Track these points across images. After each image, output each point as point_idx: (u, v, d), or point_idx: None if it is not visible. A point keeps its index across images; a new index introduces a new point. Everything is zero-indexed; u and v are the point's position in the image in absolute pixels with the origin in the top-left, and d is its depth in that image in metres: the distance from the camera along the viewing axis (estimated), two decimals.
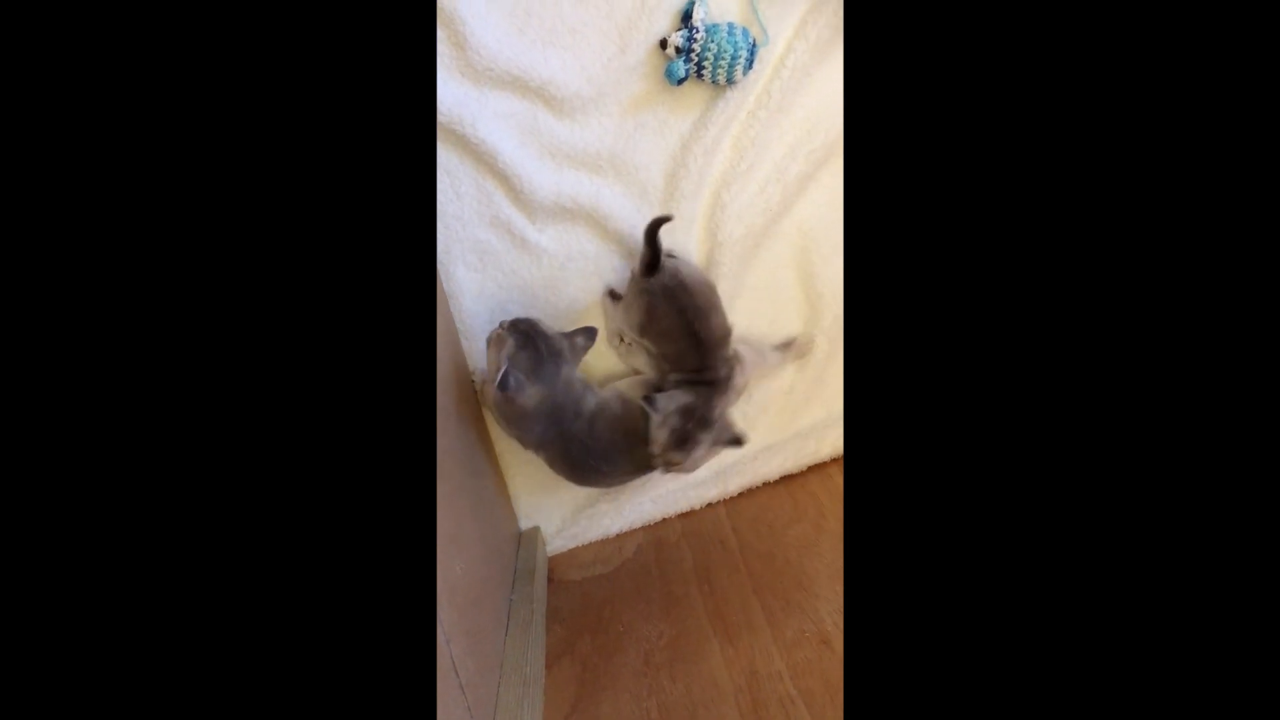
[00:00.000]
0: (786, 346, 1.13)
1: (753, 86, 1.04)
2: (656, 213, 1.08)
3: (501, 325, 0.99)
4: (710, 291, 1.02)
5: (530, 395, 0.96)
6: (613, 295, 1.10)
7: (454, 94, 1.01)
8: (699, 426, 0.96)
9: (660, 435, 0.97)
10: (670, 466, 1.00)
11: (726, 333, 1.02)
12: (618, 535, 1.23)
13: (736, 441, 1.00)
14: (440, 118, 1.00)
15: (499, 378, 0.92)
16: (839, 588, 0.93)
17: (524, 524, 1.22)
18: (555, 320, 1.12)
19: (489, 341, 1.00)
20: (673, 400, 0.97)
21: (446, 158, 1.04)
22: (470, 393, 1.12)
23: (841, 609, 0.89)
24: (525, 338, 0.96)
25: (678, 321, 0.98)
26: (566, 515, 1.23)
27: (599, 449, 1.00)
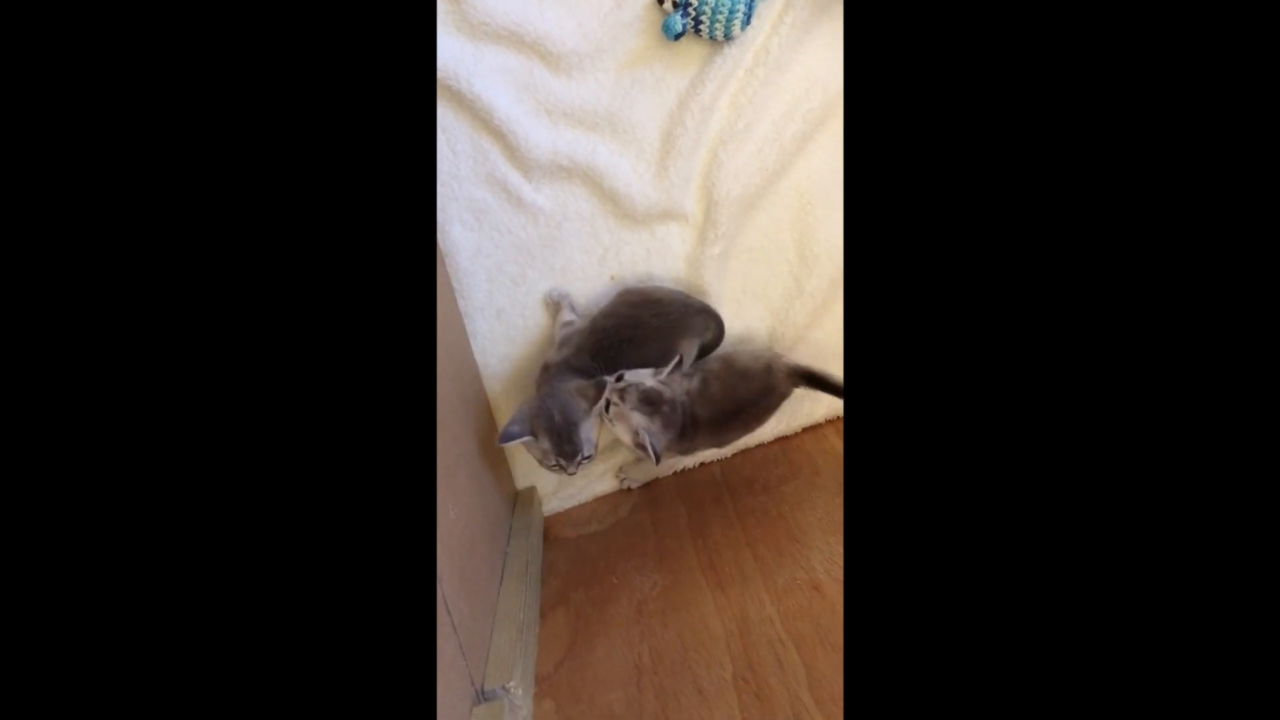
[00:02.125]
0: None
1: (751, 43, 1.03)
2: (654, 171, 1.08)
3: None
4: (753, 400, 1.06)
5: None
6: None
7: (450, 49, 1.01)
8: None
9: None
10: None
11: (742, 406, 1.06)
12: (613, 495, 1.23)
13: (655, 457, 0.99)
14: (437, 73, 1.00)
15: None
16: (831, 539, 0.94)
17: (520, 484, 1.23)
18: (551, 278, 1.13)
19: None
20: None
21: (442, 114, 1.04)
22: (466, 352, 1.13)
23: (834, 558, 0.90)
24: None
25: (734, 392, 1.04)
26: (563, 475, 1.23)
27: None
